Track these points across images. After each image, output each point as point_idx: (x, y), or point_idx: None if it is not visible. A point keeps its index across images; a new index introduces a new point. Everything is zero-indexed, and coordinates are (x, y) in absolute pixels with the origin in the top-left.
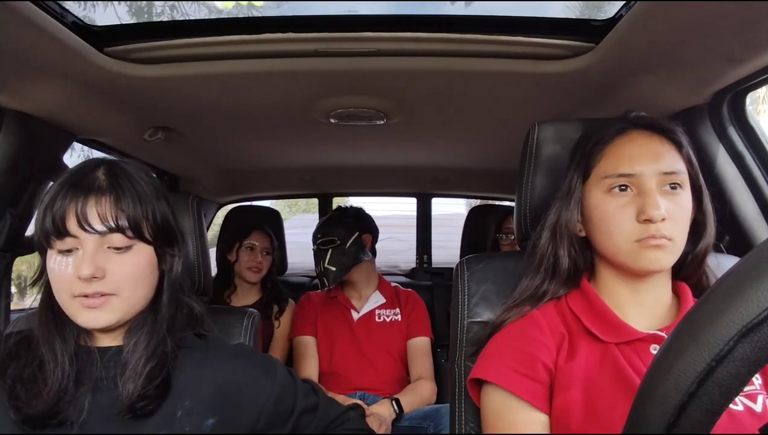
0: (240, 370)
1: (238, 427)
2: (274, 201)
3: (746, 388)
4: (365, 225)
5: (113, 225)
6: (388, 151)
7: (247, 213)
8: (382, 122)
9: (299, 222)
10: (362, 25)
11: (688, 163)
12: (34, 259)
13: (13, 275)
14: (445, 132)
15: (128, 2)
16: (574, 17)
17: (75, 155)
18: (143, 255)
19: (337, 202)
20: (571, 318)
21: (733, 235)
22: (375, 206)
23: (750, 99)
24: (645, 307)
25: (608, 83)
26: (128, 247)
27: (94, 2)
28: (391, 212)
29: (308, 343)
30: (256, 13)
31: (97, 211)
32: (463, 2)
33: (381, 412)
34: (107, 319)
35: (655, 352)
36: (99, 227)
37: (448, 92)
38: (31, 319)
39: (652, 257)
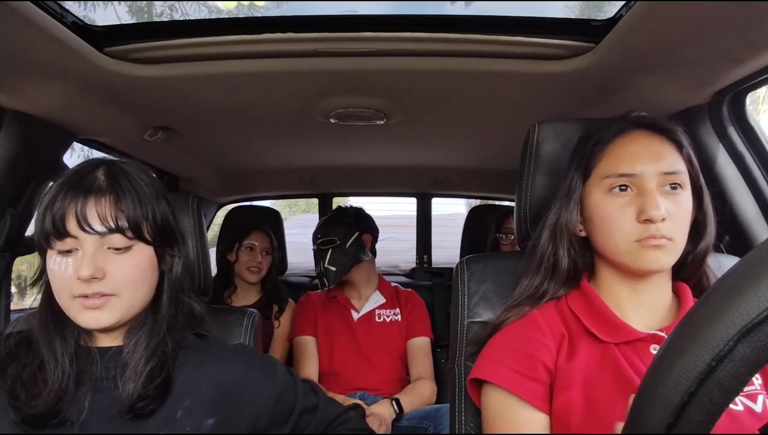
0: (240, 370)
1: (238, 427)
2: (274, 201)
3: (746, 388)
4: (365, 225)
5: (113, 225)
6: (388, 151)
7: (246, 213)
8: (382, 122)
9: (299, 222)
10: (362, 25)
11: (689, 163)
12: (34, 259)
13: (13, 275)
14: (445, 132)
15: (128, 2)
16: (574, 17)
17: (75, 155)
18: (143, 255)
19: (337, 202)
20: (571, 318)
21: (733, 235)
22: (375, 206)
23: (750, 99)
24: (645, 307)
25: (608, 83)
26: (128, 248)
27: (94, 2)
28: (391, 212)
29: (308, 343)
30: (256, 13)
31: (97, 212)
32: (463, 2)
33: (381, 412)
34: (107, 320)
35: (655, 352)
36: (99, 228)
37: (448, 92)
38: (31, 319)
39: (652, 257)
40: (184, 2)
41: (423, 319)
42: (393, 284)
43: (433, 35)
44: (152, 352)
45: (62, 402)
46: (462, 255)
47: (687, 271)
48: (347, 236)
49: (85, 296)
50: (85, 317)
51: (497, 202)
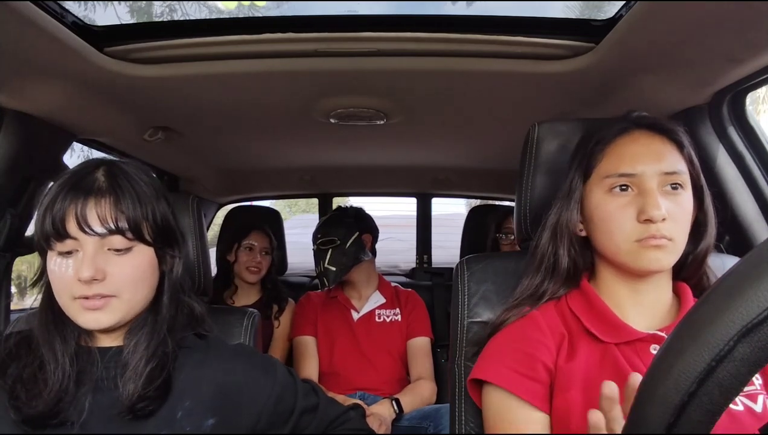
0: (240, 370)
1: (238, 427)
2: (274, 201)
3: (746, 388)
4: (365, 225)
5: (113, 227)
6: (388, 151)
7: (246, 213)
8: (382, 122)
9: (299, 222)
10: (362, 25)
11: (690, 163)
12: (34, 259)
13: (13, 275)
14: (445, 132)
15: (128, 2)
16: (574, 17)
17: (75, 155)
18: (143, 256)
19: (337, 202)
20: (571, 318)
21: (733, 235)
22: (375, 206)
23: (750, 99)
24: (645, 307)
25: (608, 83)
26: (128, 249)
27: (94, 2)
28: (391, 212)
29: (308, 343)
30: (256, 13)
31: (97, 213)
32: (464, 2)
33: (381, 412)
34: (108, 321)
35: (655, 352)
36: (99, 229)
37: (448, 92)
38: (31, 319)
39: (653, 257)
40: (185, 2)
41: (423, 319)
42: (393, 284)
43: (433, 35)
44: (152, 353)
45: (62, 402)
46: (462, 255)
47: (687, 271)
48: (347, 236)
49: (86, 298)
50: (86, 318)
51: (497, 202)
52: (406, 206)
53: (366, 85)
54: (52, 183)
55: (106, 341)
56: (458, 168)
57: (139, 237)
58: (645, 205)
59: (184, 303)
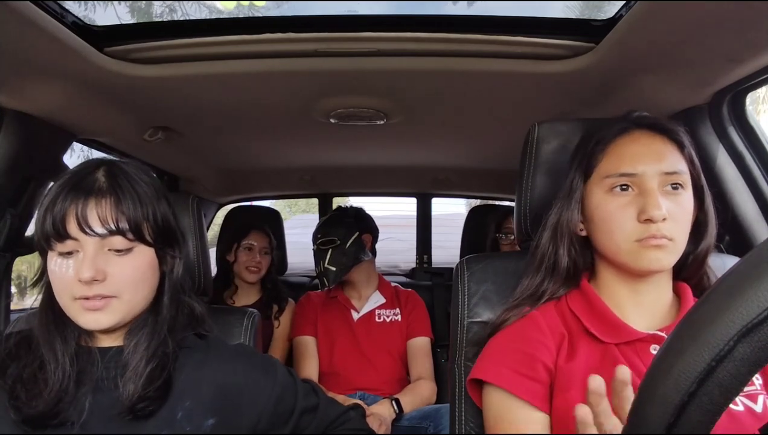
0: (240, 370)
1: (238, 427)
2: (274, 201)
3: (746, 389)
4: (365, 225)
5: (113, 227)
6: (388, 151)
7: (246, 213)
8: (382, 122)
9: (299, 222)
10: (362, 25)
11: (690, 163)
12: (34, 259)
13: (13, 275)
14: (445, 132)
15: (128, 2)
16: (574, 17)
17: (75, 155)
18: (144, 257)
19: (337, 202)
20: (571, 318)
21: (733, 235)
22: (375, 206)
23: (750, 99)
24: (645, 308)
25: (608, 83)
26: (129, 250)
27: (94, 2)
28: (391, 212)
29: (308, 343)
30: (256, 13)
31: (98, 214)
32: (465, 2)
33: (381, 412)
34: (108, 321)
35: (655, 353)
36: (99, 230)
37: (448, 92)
38: (31, 319)
39: (653, 257)
40: (185, 2)
41: (423, 319)
42: (393, 284)
43: (433, 35)
44: (153, 353)
45: (62, 402)
46: (462, 255)
47: (688, 271)
48: (347, 236)
49: (86, 298)
50: (86, 319)
51: (497, 202)
52: (406, 206)
53: (366, 85)
54: (52, 183)
55: (107, 341)
56: (458, 168)
57: (139, 237)
58: (645, 204)
59: (185, 303)
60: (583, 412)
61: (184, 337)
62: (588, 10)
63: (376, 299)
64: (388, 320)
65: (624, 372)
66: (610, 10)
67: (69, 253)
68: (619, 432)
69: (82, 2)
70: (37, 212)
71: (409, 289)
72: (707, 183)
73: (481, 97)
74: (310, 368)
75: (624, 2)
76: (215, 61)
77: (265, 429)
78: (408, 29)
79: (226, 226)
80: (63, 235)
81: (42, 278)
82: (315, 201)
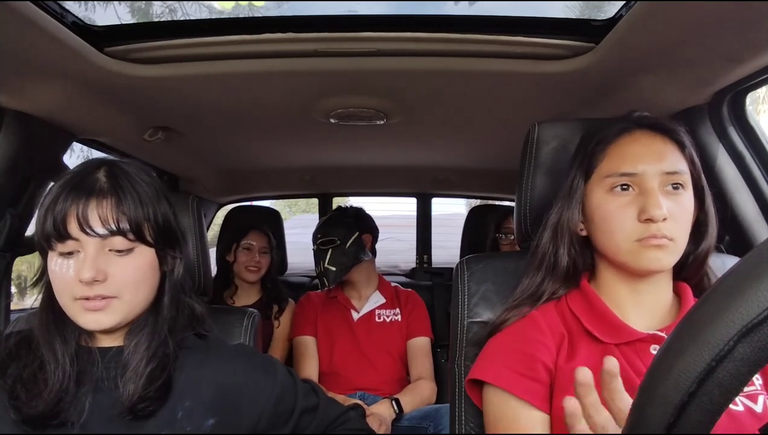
0: (240, 370)
1: (238, 427)
2: (274, 201)
3: (746, 389)
4: (365, 225)
5: (114, 228)
6: (388, 151)
7: (246, 213)
8: (382, 122)
9: (299, 222)
10: (362, 25)
11: (691, 163)
12: (34, 259)
13: (13, 275)
14: (445, 132)
15: (128, 2)
16: (574, 17)
17: (75, 155)
18: (144, 257)
19: (337, 202)
20: (571, 318)
21: (733, 235)
22: (375, 206)
23: (750, 99)
24: (645, 308)
25: (608, 83)
26: (129, 250)
27: (94, 2)
28: (391, 212)
29: (308, 343)
30: (256, 13)
31: (99, 214)
32: (467, 2)
33: (381, 412)
34: (109, 322)
35: (655, 353)
36: (100, 230)
37: (448, 92)
38: (31, 319)
39: (653, 257)
40: (184, 2)
41: (423, 319)
42: (393, 284)
43: (433, 35)
44: (153, 353)
45: (63, 402)
46: (462, 255)
47: (688, 271)
48: (347, 236)
49: (87, 298)
50: (87, 319)
51: (497, 202)
52: (406, 206)
53: (366, 85)
54: (52, 183)
55: (107, 341)
56: (458, 168)
57: (140, 238)
58: (646, 204)
59: (185, 303)
60: (572, 404)
61: (184, 338)
62: (588, 10)
63: (376, 299)
64: (388, 320)
65: (612, 363)
66: (610, 10)
67: (70, 254)
68: (610, 425)
69: (82, 2)
70: (37, 212)
71: (409, 289)
72: (707, 183)
73: (481, 97)
74: (310, 368)
75: (624, 2)
76: (215, 61)
77: (265, 429)
78: (408, 29)
79: (226, 226)
80: (64, 236)
81: (42, 278)
82: (315, 201)
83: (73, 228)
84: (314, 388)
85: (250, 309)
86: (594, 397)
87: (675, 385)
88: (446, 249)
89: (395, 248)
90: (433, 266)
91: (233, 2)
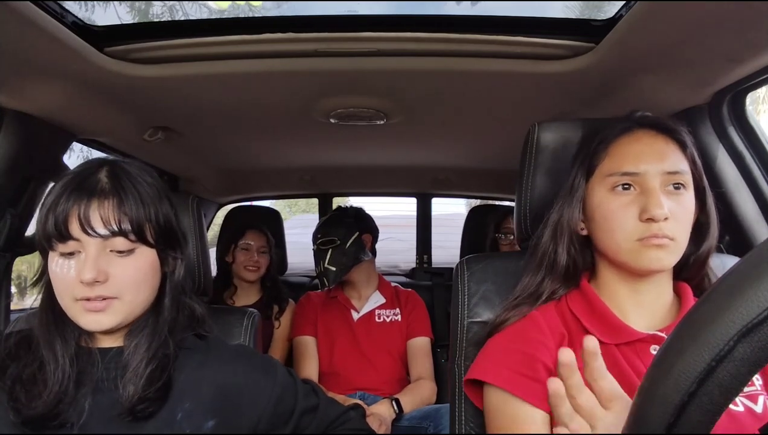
0: (240, 371)
1: (238, 428)
2: (274, 201)
3: (746, 389)
4: (365, 225)
5: (116, 228)
6: (388, 151)
7: (245, 213)
8: (382, 122)
9: (299, 222)
10: (362, 25)
11: (692, 163)
12: (34, 259)
13: (13, 275)
14: (445, 132)
15: (128, 2)
16: (574, 17)
17: (75, 155)
18: (146, 258)
19: (337, 202)
20: (571, 319)
21: (733, 235)
22: (375, 206)
23: (750, 99)
24: (645, 308)
25: (608, 83)
26: (131, 251)
27: (94, 2)
28: (391, 212)
29: (308, 343)
30: (256, 14)
31: (100, 215)
32: (469, 2)
33: (381, 412)
34: (109, 323)
35: (655, 353)
36: (102, 231)
37: (448, 92)
38: (31, 319)
39: (654, 257)
40: (184, 2)
41: (423, 319)
42: (393, 284)
43: (433, 35)
44: (153, 354)
45: (62, 403)
46: (462, 255)
47: (689, 271)
48: (347, 236)
49: (87, 299)
50: (87, 320)
51: (497, 202)
52: (406, 206)
53: (366, 85)
54: (52, 183)
55: (107, 342)
56: (458, 168)
57: (141, 239)
58: (647, 204)
59: (185, 304)
60: (556, 385)
61: (184, 338)
62: (588, 10)
63: (376, 299)
64: (388, 320)
65: (592, 343)
66: (610, 10)
67: (71, 254)
68: (593, 405)
69: (82, 2)
70: (38, 212)
71: (409, 289)
72: (708, 183)
73: (481, 97)
74: (310, 368)
75: (624, 2)
76: (215, 61)
77: (266, 430)
78: (408, 29)
79: (226, 227)
80: (65, 236)
81: (42, 278)
82: (315, 201)
83: (75, 228)
84: (314, 389)
85: (250, 309)
86: (577, 378)
87: (675, 385)
88: (446, 249)
89: (395, 248)
90: (433, 266)
91: (229, 2)
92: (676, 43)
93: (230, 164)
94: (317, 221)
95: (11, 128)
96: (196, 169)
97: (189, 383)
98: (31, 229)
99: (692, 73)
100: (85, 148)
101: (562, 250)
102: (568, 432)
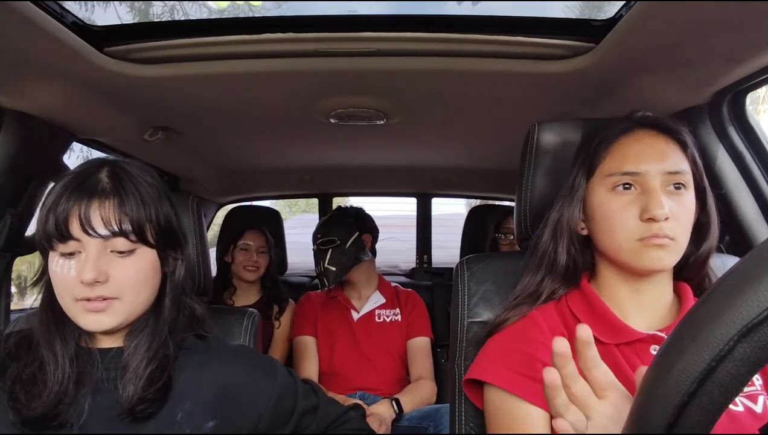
0: (240, 371)
1: (238, 428)
2: (274, 201)
3: (746, 389)
4: (365, 225)
5: (116, 229)
6: (388, 151)
7: (245, 213)
8: (382, 122)
9: (299, 222)
10: (362, 25)
11: (693, 163)
12: (34, 259)
13: (13, 275)
14: (445, 132)
15: (128, 2)
16: (574, 17)
17: (75, 156)
18: (146, 258)
19: (337, 202)
20: (571, 319)
21: (733, 235)
22: (375, 206)
23: (750, 99)
24: (645, 308)
25: (608, 83)
26: (131, 251)
27: (94, 2)
28: (391, 212)
29: (308, 343)
30: (256, 13)
31: (101, 215)
32: (470, 2)
33: (381, 412)
34: (110, 323)
35: (655, 353)
36: (102, 231)
37: (448, 92)
38: (31, 319)
39: (654, 257)
40: (184, 2)
41: (423, 319)
42: (393, 284)
43: (433, 35)
44: (153, 355)
45: (62, 404)
46: (462, 255)
47: (689, 272)
48: (347, 236)
49: (88, 299)
50: (87, 320)
51: (497, 202)
52: (406, 206)
53: (366, 85)
54: (52, 183)
55: (107, 342)
56: (458, 168)
57: (142, 239)
58: (648, 203)
59: (186, 304)
60: (552, 375)
61: (183, 338)
62: (588, 10)
63: (376, 299)
64: (388, 320)
65: (585, 331)
66: (610, 10)
67: (71, 254)
68: (586, 395)
69: (82, 2)
70: (39, 212)
71: (409, 289)
72: (708, 183)
73: (481, 97)
74: (310, 368)
75: (624, 2)
76: (215, 61)
77: (266, 430)
78: (408, 29)
79: (225, 227)
80: (65, 236)
81: (42, 278)
82: (315, 201)
83: (75, 228)
84: (314, 389)
85: (250, 309)
86: (571, 368)
87: (675, 385)
88: (446, 249)
89: (395, 248)
90: (433, 266)
91: (229, 1)
92: (676, 43)
93: (230, 164)
94: (317, 221)
95: (11, 128)
96: (196, 169)
97: (189, 384)
98: (31, 229)
99: (692, 73)
100: (85, 148)
101: (562, 249)
102: (565, 423)
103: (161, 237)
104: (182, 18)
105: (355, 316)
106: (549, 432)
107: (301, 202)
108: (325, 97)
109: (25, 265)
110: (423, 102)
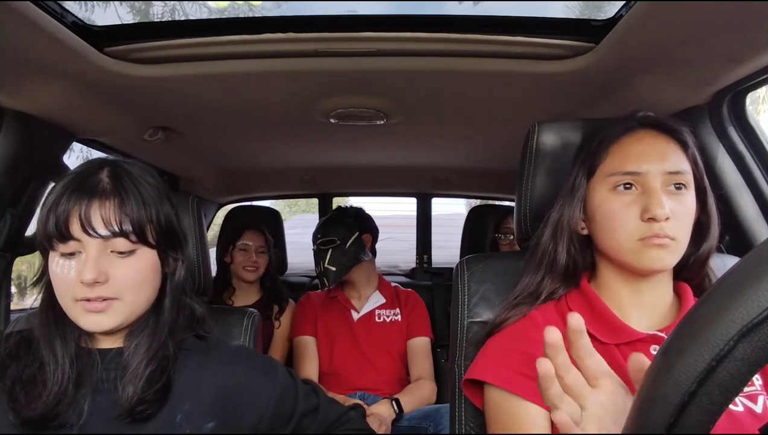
0: (240, 372)
1: (238, 429)
2: (274, 201)
3: (746, 389)
4: (365, 225)
5: (117, 229)
6: (388, 151)
7: (245, 213)
8: (382, 122)
9: (299, 222)
10: (362, 25)
11: (694, 163)
12: (34, 259)
13: (13, 275)
14: (445, 132)
15: (128, 2)
16: (574, 17)
17: (75, 156)
18: (146, 259)
19: (337, 202)
20: None
21: (733, 235)
22: (375, 206)
23: (750, 99)
24: (646, 308)
25: (608, 83)
26: (132, 252)
27: (94, 2)
28: (391, 212)
29: (308, 344)
30: (256, 14)
31: (101, 215)
32: (471, 2)
33: (381, 412)
34: (110, 323)
35: (655, 353)
36: (102, 231)
37: (448, 92)
38: (31, 319)
39: (655, 256)
40: (184, 2)
41: (423, 319)
42: (393, 284)
43: (433, 35)
44: (153, 355)
45: (62, 404)
46: (462, 255)
47: (689, 272)
48: (347, 236)
49: (88, 300)
50: (87, 320)
51: (497, 202)
52: (406, 206)
53: (366, 85)
54: (52, 183)
55: (107, 343)
56: (458, 168)
57: (142, 239)
58: (649, 203)
59: (186, 305)
60: (546, 366)
61: (183, 339)
62: (588, 10)
63: (376, 299)
64: (388, 320)
65: (577, 320)
66: (610, 10)
67: (71, 254)
68: (579, 385)
69: (82, 2)
70: (39, 212)
71: (409, 289)
72: (708, 183)
73: (481, 97)
74: (310, 368)
75: (624, 2)
76: (215, 61)
77: (266, 431)
78: (408, 29)
79: (225, 227)
80: (66, 236)
81: (42, 278)
82: (315, 201)
83: (76, 229)
84: (315, 389)
85: (250, 309)
86: (564, 358)
87: (675, 385)
88: (446, 249)
89: (395, 248)
90: (433, 266)
91: (228, 1)
92: (676, 43)
93: (230, 164)
94: (317, 221)
95: (11, 128)
96: (196, 169)
97: (189, 384)
98: (31, 229)
99: (692, 73)
100: (85, 148)
101: (562, 249)
102: (563, 414)
103: (162, 237)
104: (182, 18)
105: (355, 316)
106: (549, 431)
107: (301, 202)
108: (325, 97)
109: (25, 265)
110: (423, 102)
